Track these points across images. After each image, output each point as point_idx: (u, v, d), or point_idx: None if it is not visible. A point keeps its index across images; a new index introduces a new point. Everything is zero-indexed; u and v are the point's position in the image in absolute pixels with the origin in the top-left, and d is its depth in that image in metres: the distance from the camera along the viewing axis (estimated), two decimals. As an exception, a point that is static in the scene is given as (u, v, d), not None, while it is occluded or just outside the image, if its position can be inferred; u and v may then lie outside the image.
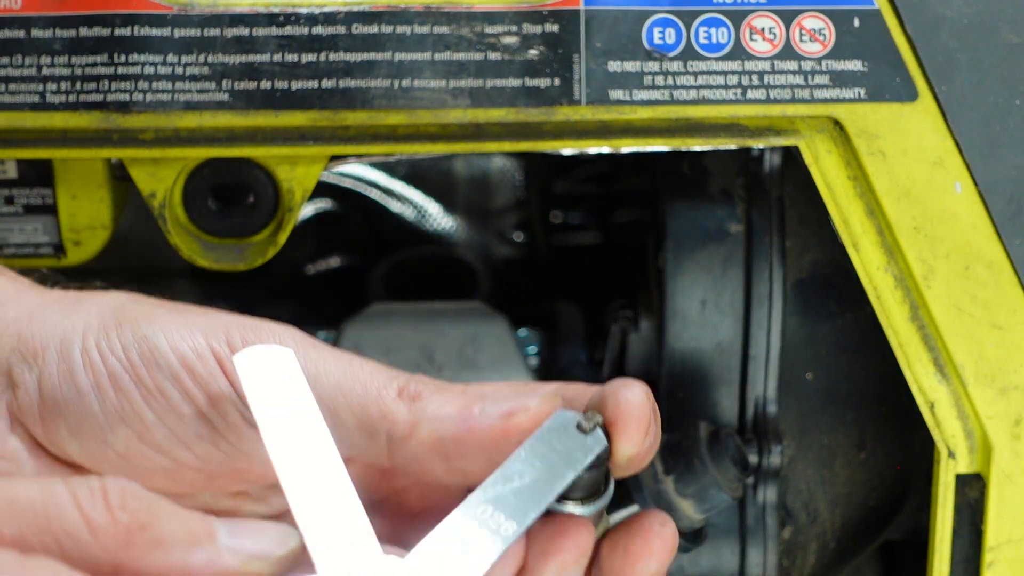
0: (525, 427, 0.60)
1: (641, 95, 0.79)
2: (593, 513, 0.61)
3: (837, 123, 0.80)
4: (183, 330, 0.62)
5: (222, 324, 0.63)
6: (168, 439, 0.62)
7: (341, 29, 0.78)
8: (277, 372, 0.59)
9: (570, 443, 0.60)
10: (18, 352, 0.63)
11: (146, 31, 0.78)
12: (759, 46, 0.79)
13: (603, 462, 0.61)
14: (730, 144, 0.80)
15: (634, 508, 0.65)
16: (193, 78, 0.78)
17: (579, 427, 0.60)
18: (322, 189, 1.20)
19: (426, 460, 0.61)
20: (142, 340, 0.62)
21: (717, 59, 0.79)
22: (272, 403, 0.58)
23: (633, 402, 0.61)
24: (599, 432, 0.60)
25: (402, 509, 0.68)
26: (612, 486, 0.62)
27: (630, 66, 0.79)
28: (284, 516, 0.66)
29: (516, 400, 0.61)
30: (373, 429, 0.61)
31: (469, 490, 0.61)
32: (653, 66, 0.79)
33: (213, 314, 0.64)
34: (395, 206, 1.21)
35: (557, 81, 0.79)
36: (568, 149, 0.81)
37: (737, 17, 0.79)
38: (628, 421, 0.61)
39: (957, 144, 0.80)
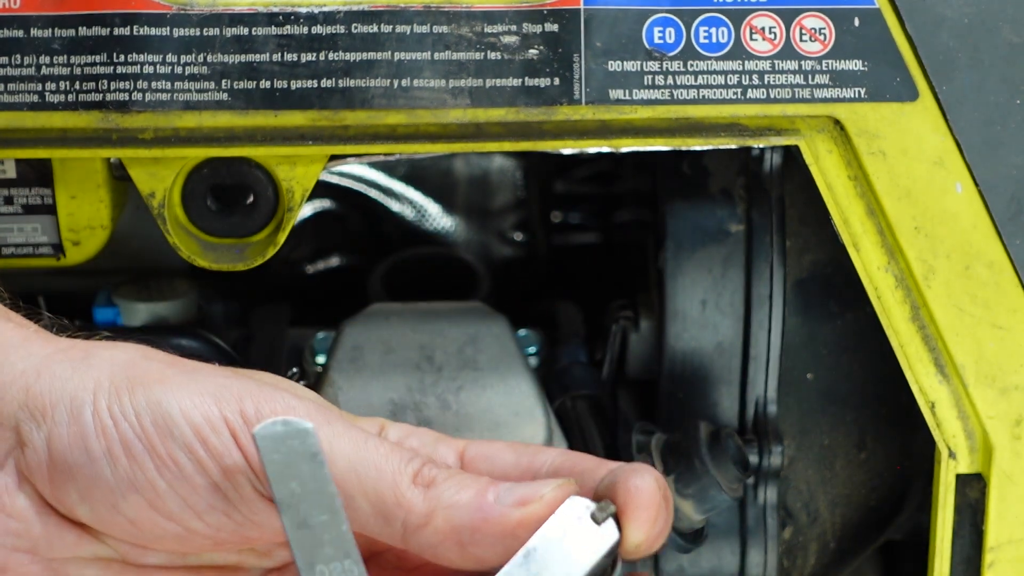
0: (540, 516, 0.60)
1: (641, 95, 0.79)
2: None
3: (837, 123, 0.80)
4: (196, 398, 0.61)
5: (235, 392, 0.62)
6: (180, 508, 0.61)
7: (341, 29, 0.78)
8: (296, 446, 0.59)
9: (584, 533, 0.60)
10: (26, 408, 0.62)
11: (145, 30, 0.78)
12: (759, 46, 0.79)
13: (614, 551, 0.61)
14: (730, 144, 0.80)
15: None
16: (192, 78, 0.78)
17: (592, 517, 0.60)
18: (322, 189, 1.20)
19: (441, 547, 0.61)
20: (155, 406, 0.61)
21: (717, 59, 0.79)
22: (289, 479, 0.58)
23: (644, 490, 0.61)
24: (611, 522, 0.60)
25: (402, 563, 0.68)
26: (620, 569, 0.62)
27: (630, 66, 0.79)
28: (288, 569, 0.67)
29: (530, 488, 0.61)
30: (388, 515, 0.61)
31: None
32: (653, 66, 0.79)
33: (225, 378, 0.63)
34: (395, 206, 1.21)
35: (557, 81, 0.78)
36: (568, 149, 0.81)
37: (737, 17, 0.79)
38: (638, 509, 0.61)
39: (957, 144, 0.80)
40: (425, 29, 0.78)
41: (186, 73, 0.78)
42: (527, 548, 0.59)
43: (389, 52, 0.78)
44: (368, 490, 0.61)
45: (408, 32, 0.78)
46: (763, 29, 0.79)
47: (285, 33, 0.78)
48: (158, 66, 0.78)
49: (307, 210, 1.20)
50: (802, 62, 0.79)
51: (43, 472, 0.61)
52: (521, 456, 0.66)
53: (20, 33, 0.78)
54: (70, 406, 0.61)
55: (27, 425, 0.62)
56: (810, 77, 0.79)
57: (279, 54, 0.78)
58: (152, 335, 0.98)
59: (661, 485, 0.62)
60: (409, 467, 0.62)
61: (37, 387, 0.62)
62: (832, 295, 0.97)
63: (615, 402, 1.02)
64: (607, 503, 0.60)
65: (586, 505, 0.60)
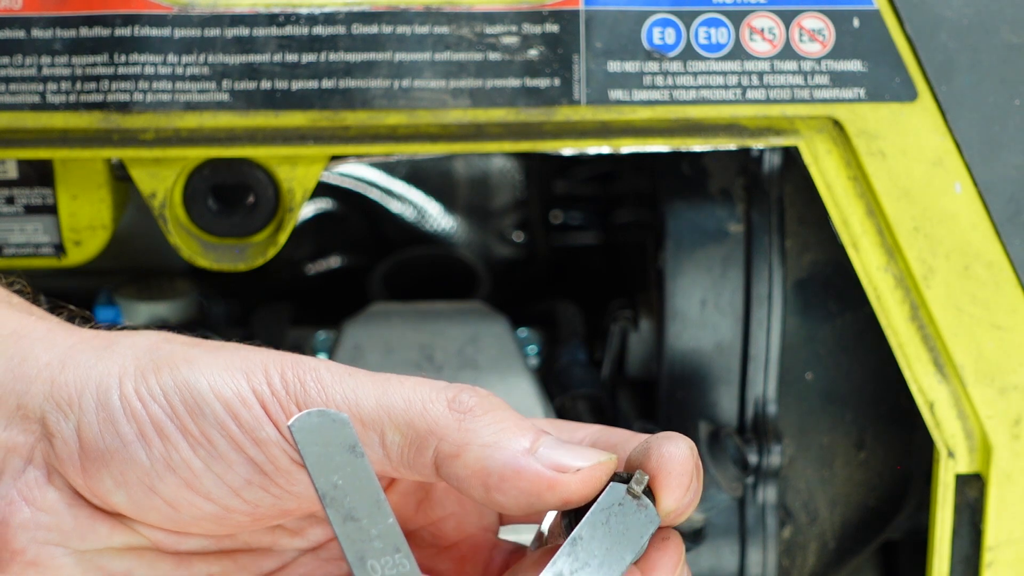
0: (572, 487, 0.60)
1: (641, 95, 0.79)
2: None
3: (837, 123, 0.80)
4: (223, 372, 0.61)
5: (259, 362, 0.62)
6: (217, 486, 0.61)
7: (341, 29, 0.78)
8: (333, 438, 0.58)
9: (627, 520, 0.60)
10: (52, 400, 0.62)
11: (146, 31, 0.78)
12: (759, 46, 0.79)
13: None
14: (730, 144, 0.80)
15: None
16: (193, 78, 0.78)
17: (629, 491, 0.60)
18: (322, 189, 1.20)
19: (467, 483, 0.60)
20: (183, 385, 0.61)
21: (717, 59, 0.79)
22: (330, 472, 0.58)
23: (677, 457, 0.61)
24: (651, 509, 0.60)
25: (438, 540, 0.68)
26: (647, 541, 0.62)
27: (630, 66, 0.79)
28: (322, 548, 0.67)
29: (571, 454, 0.60)
30: (421, 444, 0.61)
31: (503, 522, 0.62)
32: (653, 66, 0.79)
33: (247, 351, 0.63)
34: (395, 206, 1.21)
35: (557, 81, 0.79)
36: (568, 149, 0.82)
37: (737, 17, 0.79)
38: (670, 476, 0.61)
39: (957, 144, 0.80)
40: (425, 30, 0.78)
41: (187, 74, 0.78)
42: (573, 537, 0.59)
43: (389, 53, 0.78)
44: (398, 422, 0.60)
45: (408, 33, 0.78)
46: (763, 30, 0.79)
47: (286, 34, 0.78)
48: (159, 67, 0.78)
49: (308, 210, 1.20)
50: (801, 63, 0.79)
51: (75, 462, 0.61)
52: (560, 431, 0.66)
53: (22, 34, 0.78)
54: (96, 392, 0.61)
55: (54, 415, 0.61)
56: (809, 78, 0.79)
57: (280, 55, 0.78)
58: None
59: (693, 452, 0.62)
60: (444, 393, 0.61)
61: (62, 378, 0.62)
62: (831, 295, 0.97)
63: (615, 402, 1.02)
64: (641, 474, 0.60)
65: (623, 487, 0.60)
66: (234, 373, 0.61)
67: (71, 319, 0.67)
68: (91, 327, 0.66)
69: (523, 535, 0.68)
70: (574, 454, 0.60)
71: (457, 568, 0.67)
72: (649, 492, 0.61)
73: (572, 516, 0.60)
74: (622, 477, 0.61)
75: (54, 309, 0.67)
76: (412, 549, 0.58)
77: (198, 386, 0.61)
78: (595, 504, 0.60)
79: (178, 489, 0.61)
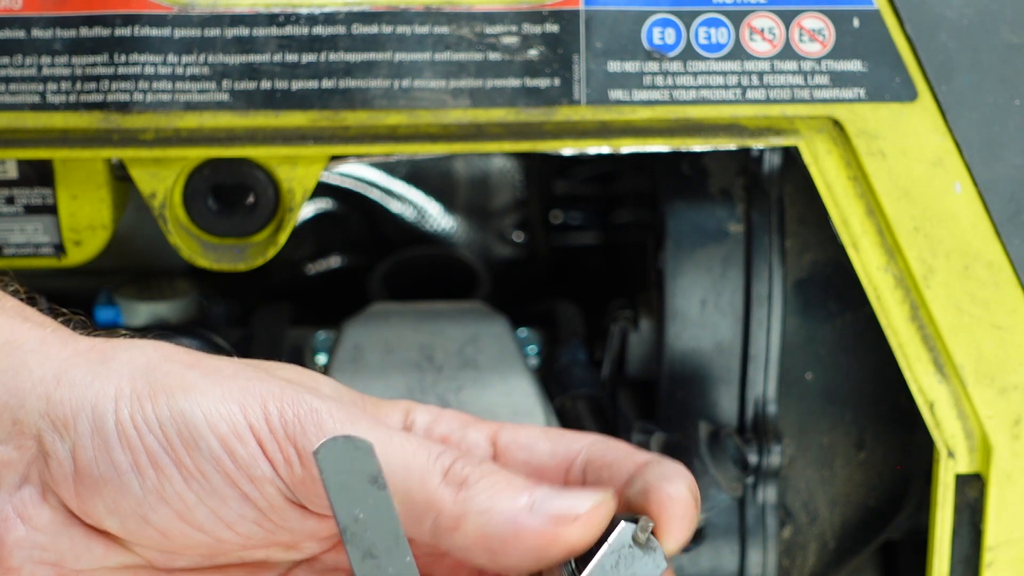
0: (574, 536, 0.59)
1: (641, 95, 0.79)
2: None
3: (837, 123, 0.80)
4: (220, 405, 0.61)
5: (259, 395, 0.61)
6: (210, 519, 0.61)
7: (341, 29, 0.78)
8: (356, 467, 0.58)
9: (635, 564, 0.60)
10: (48, 418, 0.61)
11: (146, 31, 0.78)
12: (759, 46, 0.79)
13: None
14: (730, 144, 0.80)
15: None
16: (193, 78, 0.78)
17: (634, 538, 0.60)
18: (322, 189, 1.20)
19: (470, 551, 0.60)
20: (179, 416, 0.60)
21: (717, 59, 0.79)
22: (352, 504, 0.57)
23: (679, 500, 0.61)
24: (659, 552, 0.60)
25: (432, 547, 0.66)
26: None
27: (630, 66, 0.79)
28: (316, 560, 0.66)
29: (567, 502, 0.60)
30: (418, 515, 0.61)
31: None
32: (653, 66, 0.79)
33: (247, 380, 0.62)
34: (395, 206, 1.21)
35: (557, 81, 0.79)
36: (568, 149, 0.82)
37: (737, 17, 0.79)
38: (673, 520, 0.61)
39: (957, 144, 0.80)
40: (425, 30, 0.78)
41: (187, 74, 0.78)
42: None
43: (389, 53, 0.78)
44: (397, 488, 0.60)
45: (408, 33, 0.78)
46: (763, 30, 0.79)
47: (286, 34, 0.78)
48: (159, 67, 0.78)
49: (308, 210, 1.20)
50: (801, 63, 0.79)
51: (69, 484, 0.61)
52: (557, 444, 0.65)
53: (21, 34, 0.78)
54: (92, 416, 0.61)
55: (50, 435, 0.61)
56: (809, 78, 0.79)
57: (280, 55, 0.78)
58: (153, 335, 0.98)
59: (693, 490, 0.62)
60: (439, 463, 0.61)
61: (57, 395, 0.61)
62: (831, 295, 0.97)
63: (615, 402, 1.02)
64: (646, 521, 0.60)
65: (628, 529, 0.60)
66: (231, 405, 0.61)
67: (67, 323, 0.66)
68: (87, 333, 0.65)
69: None
70: (571, 500, 0.60)
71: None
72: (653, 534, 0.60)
73: (577, 558, 0.60)
74: (627, 517, 0.60)
75: (49, 312, 0.67)
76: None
77: (194, 418, 0.61)
78: (603, 548, 0.59)
79: (170, 520, 0.61)
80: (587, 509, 0.59)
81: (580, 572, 0.59)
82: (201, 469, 0.60)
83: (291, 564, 0.66)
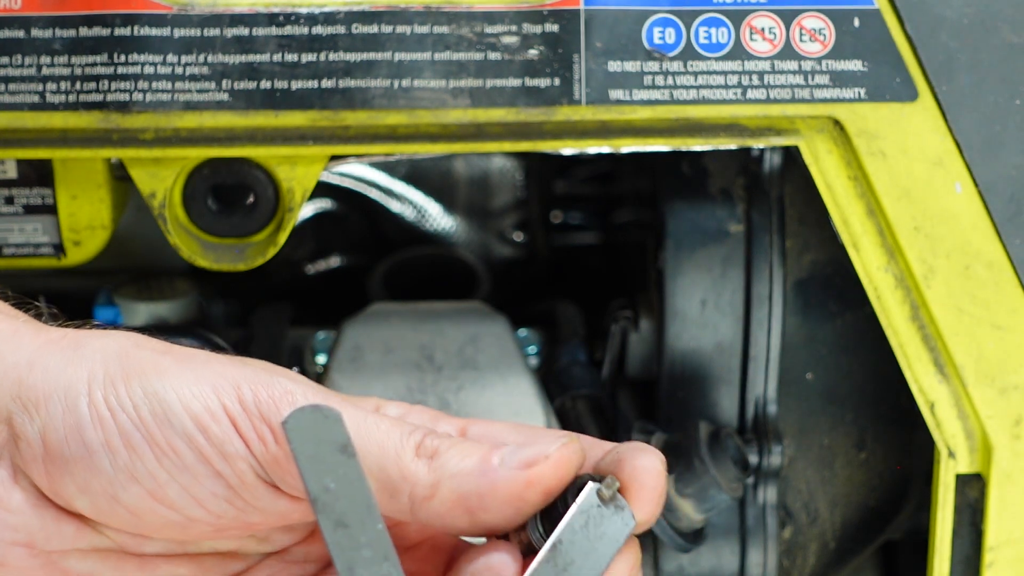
0: (546, 476, 0.60)
1: (641, 95, 0.79)
2: None
3: (837, 123, 0.80)
4: (193, 387, 0.61)
5: (231, 378, 0.62)
6: (181, 497, 0.61)
7: (341, 29, 0.78)
8: (325, 436, 0.58)
9: (604, 523, 0.60)
10: (19, 401, 0.62)
11: (146, 31, 0.78)
12: (759, 46, 0.79)
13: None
14: (730, 144, 0.80)
15: None
16: (193, 78, 0.78)
17: (599, 495, 0.60)
18: (322, 189, 1.20)
19: (449, 517, 0.61)
20: (152, 396, 0.61)
21: (717, 59, 0.79)
22: (322, 474, 0.57)
23: (650, 471, 0.61)
24: (627, 511, 0.60)
25: (401, 540, 0.67)
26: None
27: (630, 66, 0.79)
28: (286, 552, 0.66)
29: (534, 448, 0.61)
30: (394, 490, 0.61)
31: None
32: (653, 66, 0.79)
33: (220, 364, 0.63)
34: (395, 206, 1.21)
35: (557, 81, 0.79)
36: (568, 149, 0.82)
37: (737, 17, 0.79)
38: (643, 490, 0.61)
39: (957, 144, 0.80)
40: (425, 29, 0.78)
41: (187, 73, 0.78)
42: (552, 541, 0.59)
43: (389, 52, 0.78)
44: (372, 466, 0.60)
45: (408, 32, 0.78)
46: (763, 29, 0.79)
47: (285, 34, 0.78)
48: (159, 66, 0.78)
49: (307, 210, 1.20)
50: (802, 62, 0.79)
51: (39, 465, 0.61)
52: (524, 435, 0.66)
53: (21, 33, 0.78)
54: (64, 397, 0.61)
55: (20, 417, 0.61)
56: (810, 77, 0.79)
57: (279, 54, 0.78)
58: (152, 335, 0.98)
59: (663, 464, 0.62)
60: (411, 439, 0.61)
61: (30, 379, 0.62)
62: (832, 295, 0.97)
63: (615, 402, 1.02)
64: (612, 479, 0.60)
65: (594, 486, 0.60)
66: (204, 387, 0.61)
67: (39, 316, 0.66)
68: (60, 325, 0.66)
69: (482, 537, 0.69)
70: (539, 447, 0.61)
71: (420, 568, 0.67)
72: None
73: (546, 520, 0.60)
74: (594, 477, 0.61)
75: (21, 305, 0.67)
76: None
77: (167, 398, 0.61)
78: (571, 509, 0.60)
79: (141, 499, 0.61)
80: (556, 448, 0.60)
81: (549, 534, 0.59)
82: (174, 446, 0.60)
83: (261, 556, 0.66)
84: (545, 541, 0.59)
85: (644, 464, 0.61)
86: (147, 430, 0.60)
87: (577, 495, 0.60)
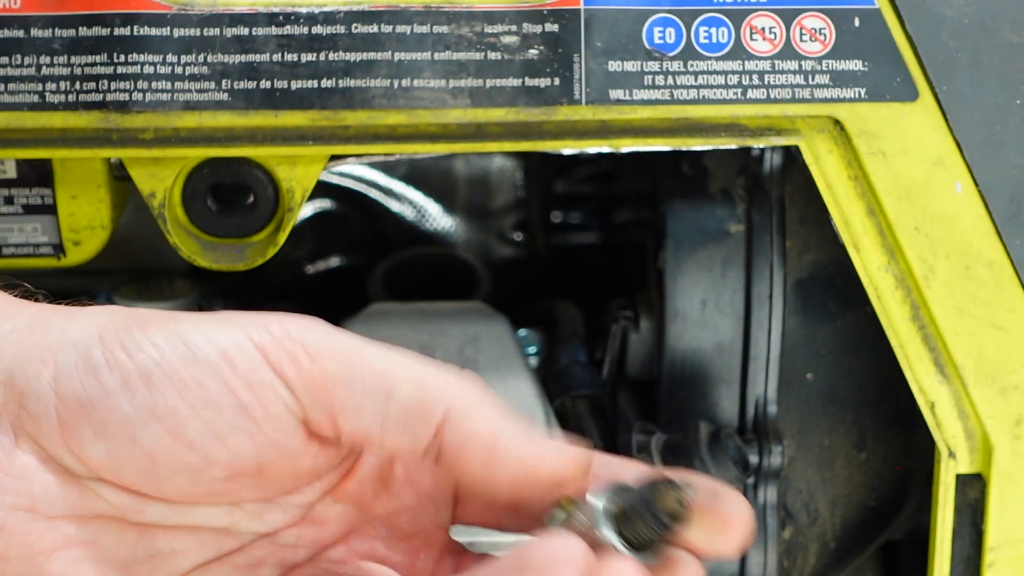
0: (570, 464, 0.61)
1: (641, 95, 0.79)
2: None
3: (838, 123, 0.80)
4: (218, 326, 0.61)
5: (257, 318, 0.62)
6: (202, 433, 0.60)
7: (341, 29, 0.78)
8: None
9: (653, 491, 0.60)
10: (18, 361, 0.61)
11: (146, 31, 0.78)
12: (759, 46, 0.79)
13: (672, 522, 0.60)
14: (730, 144, 0.80)
15: None
16: (193, 78, 0.78)
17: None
18: (322, 189, 1.20)
19: (469, 448, 0.61)
20: (174, 336, 0.60)
21: (717, 59, 0.79)
22: None
23: (744, 518, 0.61)
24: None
25: (392, 531, 0.67)
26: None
27: (630, 66, 0.79)
28: (277, 534, 0.66)
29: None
30: (431, 402, 0.61)
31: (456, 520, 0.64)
32: (653, 66, 0.79)
33: (242, 314, 0.63)
34: (395, 206, 1.21)
35: (557, 81, 0.79)
36: (568, 149, 0.81)
37: (737, 17, 0.79)
38: (737, 530, 0.61)
39: (957, 144, 0.80)
40: (425, 29, 0.78)
41: (186, 73, 0.78)
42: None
43: (389, 52, 0.78)
44: (410, 377, 0.61)
45: (408, 32, 0.78)
46: (763, 29, 0.79)
47: (285, 33, 0.78)
48: (158, 66, 0.78)
49: (307, 210, 1.20)
50: (802, 62, 0.79)
51: (50, 416, 0.60)
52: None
53: (20, 33, 0.78)
54: (74, 349, 0.60)
55: (23, 373, 0.60)
56: (810, 77, 0.79)
57: (279, 54, 0.78)
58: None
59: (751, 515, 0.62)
60: (449, 367, 0.62)
61: (31, 340, 0.61)
62: (832, 295, 0.97)
63: (615, 402, 1.02)
64: (693, 489, 0.60)
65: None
66: (230, 325, 0.61)
67: (27, 296, 0.66)
68: (49, 302, 0.65)
69: (475, 537, 0.69)
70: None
71: (410, 561, 0.67)
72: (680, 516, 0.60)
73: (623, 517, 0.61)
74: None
75: (6, 288, 0.67)
76: (367, 538, 0.59)
77: (191, 337, 0.60)
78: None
79: (160, 437, 0.60)
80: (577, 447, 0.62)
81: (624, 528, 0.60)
82: (198, 380, 0.60)
83: (255, 536, 0.66)
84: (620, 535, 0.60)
85: (736, 508, 0.61)
86: (169, 367, 0.60)
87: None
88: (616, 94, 0.79)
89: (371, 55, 0.78)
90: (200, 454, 0.61)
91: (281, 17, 0.78)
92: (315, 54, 0.78)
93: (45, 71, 0.78)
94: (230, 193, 0.83)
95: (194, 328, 0.61)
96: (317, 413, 0.61)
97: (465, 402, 0.61)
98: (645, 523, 0.59)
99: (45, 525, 0.61)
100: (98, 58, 0.78)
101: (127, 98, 0.78)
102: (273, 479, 0.64)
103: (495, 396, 0.63)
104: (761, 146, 0.92)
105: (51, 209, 0.86)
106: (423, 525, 0.67)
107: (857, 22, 0.79)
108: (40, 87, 0.78)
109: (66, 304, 0.66)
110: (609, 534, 0.60)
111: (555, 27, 0.78)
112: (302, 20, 0.78)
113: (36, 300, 0.67)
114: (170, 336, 0.61)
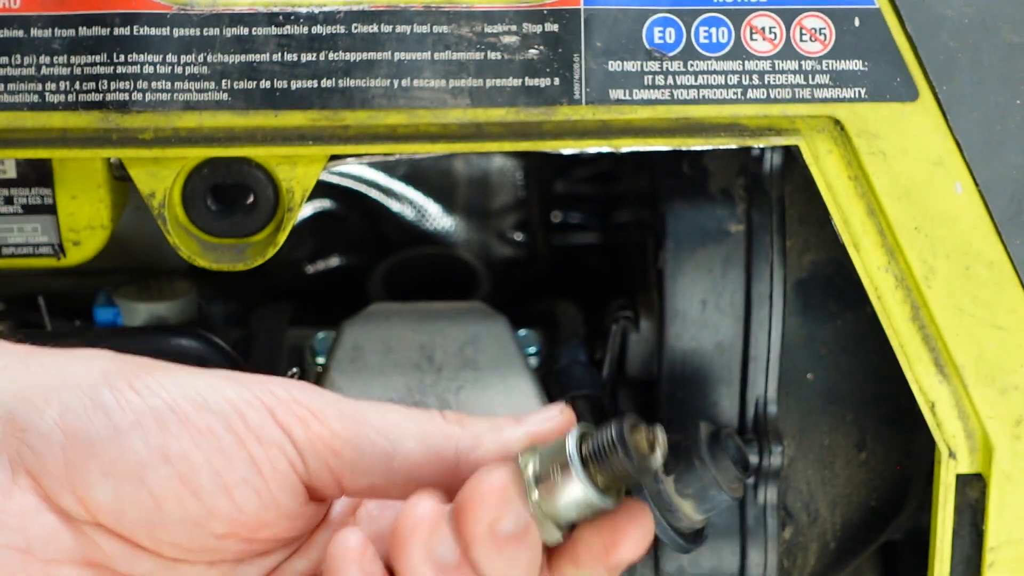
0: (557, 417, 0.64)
1: (641, 95, 0.79)
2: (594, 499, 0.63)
3: (838, 123, 0.80)
4: (221, 380, 0.61)
5: (259, 379, 0.63)
6: (212, 482, 0.60)
7: (341, 28, 0.78)
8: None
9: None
10: (19, 397, 0.60)
11: (145, 30, 0.78)
12: (759, 46, 0.79)
13: (642, 460, 0.62)
14: (730, 144, 0.80)
15: None
16: (192, 78, 0.78)
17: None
18: (322, 189, 1.20)
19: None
20: (185, 384, 0.60)
21: (717, 59, 0.79)
22: None
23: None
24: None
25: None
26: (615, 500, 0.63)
27: (630, 66, 0.79)
28: None
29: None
30: (439, 448, 0.62)
31: None
32: (653, 66, 0.79)
33: (237, 372, 0.63)
34: (395, 206, 1.21)
35: (557, 81, 0.78)
36: (568, 149, 0.81)
37: (737, 17, 0.79)
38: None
39: (957, 144, 0.80)
40: (425, 29, 0.78)
41: (186, 73, 0.78)
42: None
43: (389, 52, 0.78)
44: (413, 431, 0.62)
45: (408, 32, 0.78)
46: (763, 29, 0.79)
47: (285, 33, 0.78)
48: (158, 66, 0.78)
49: (307, 210, 1.20)
50: (802, 62, 0.79)
51: (55, 455, 0.59)
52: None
53: (20, 33, 0.78)
54: (79, 389, 0.60)
55: (25, 409, 0.60)
56: (810, 77, 0.79)
57: (279, 54, 0.78)
58: (152, 335, 0.98)
59: None
60: (431, 412, 0.64)
61: (29, 376, 0.61)
62: (832, 295, 0.97)
63: (615, 402, 1.02)
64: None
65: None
66: (235, 382, 0.62)
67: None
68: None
69: None
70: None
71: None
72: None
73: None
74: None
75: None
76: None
77: (199, 386, 0.61)
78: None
79: (168, 482, 0.60)
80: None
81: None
82: (211, 428, 0.60)
83: None
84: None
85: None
86: (183, 412, 0.60)
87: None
88: (616, 94, 0.79)
89: (371, 55, 0.78)
90: (206, 505, 0.60)
91: (281, 17, 0.78)
92: (315, 54, 0.78)
93: (45, 71, 0.78)
94: (230, 193, 0.83)
95: (201, 378, 0.61)
96: (323, 474, 0.62)
97: (469, 437, 0.63)
98: (617, 460, 0.61)
99: (40, 569, 0.61)
100: (98, 58, 0.78)
101: (127, 98, 0.78)
102: (265, 539, 0.63)
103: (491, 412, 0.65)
104: (761, 146, 0.92)
105: (51, 209, 0.86)
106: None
107: (857, 22, 0.79)
108: (40, 87, 0.78)
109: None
110: (578, 473, 0.61)
111: (555, 27, 0.78)
112: (302, 20, 0.78)
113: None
114: (181, 383, 0.60)
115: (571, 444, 0.62)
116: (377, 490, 0.63)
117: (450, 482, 0.62)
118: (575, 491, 0.61)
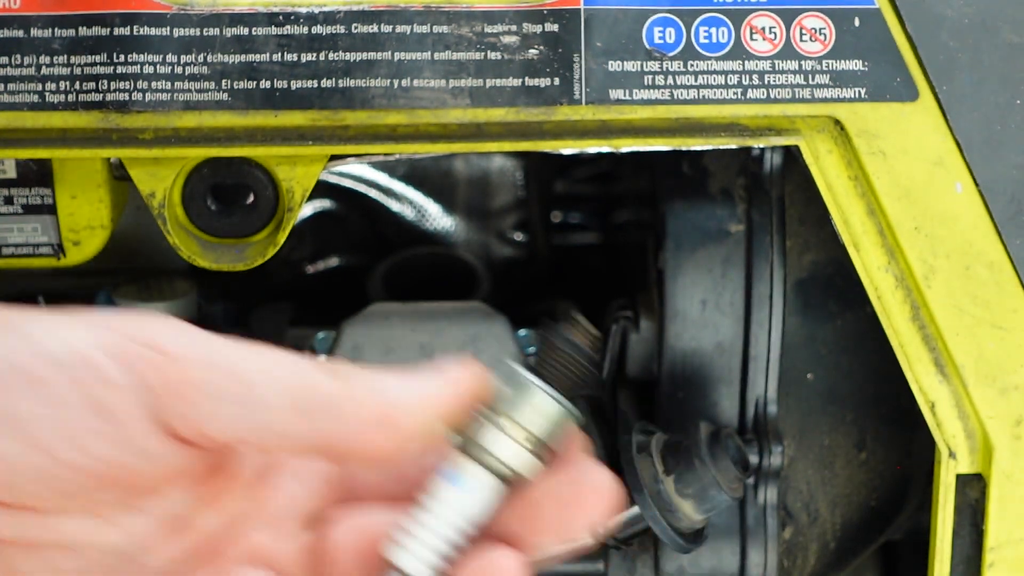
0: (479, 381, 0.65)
1: (641, 95, 0.79)
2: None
3: (838, 123, 0.80)
4: (68, 322, 0.57)
5: (111, 317, 0.58)
6: (62, 437, 0.56)
7: (341, 28, 0.78)
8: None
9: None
10: None
11: (145, 30, 0.78)
12: (759, 45, 0.79)
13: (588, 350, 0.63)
14: (730, 144, 0.80)
15: None
16: (192, 78, 0.78)
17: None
18: (322, 189, 1.20)
19: (363, 429, 0.59)
20: (15, 333, 0.57)
21: (717, 59, 0.79)
22: None
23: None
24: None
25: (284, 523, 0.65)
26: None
27: (630, 66, 0.79)
28: (138, 537, 0.61)
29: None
30: (307, 401, 0.59)
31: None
32: (653, 66, 0.79)
33: (91, 311, 0.59)
34: (395, 206, 1.21)
35: (557, 81, 0.78)
36: (568, 149, 0.81)
37: (737, 17, 0.78)
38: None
39: (958, 144, 0.80)
40: (425, 29, 0.78)
41: (186, 73, 0.78)
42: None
43: (389, 52, 0.78)
44: (281, 382, 0.58)
45: (408, 32, 0.78)
46: (763, 29, 0.79)
47: (285, 33, 0.78)
48: (158, 66, 0.78)
49: (307, 210, 1.20)
50: (802, 62, 0.79)
51: None
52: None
53: (20, 33, 0.78)
54: None
55: None
56: (810, 77, 0.79)
57: (279, 54, 0.78)
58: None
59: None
60: (309, 363, 0.59)
61: None
62: (832, 295, 0.97)
63: (615, 402, 1.02)
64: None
65: None
66: (80, 323, 0.58)
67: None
68: None
69: None
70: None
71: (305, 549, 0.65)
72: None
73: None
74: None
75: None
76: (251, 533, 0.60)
77: (33, 332, 0.57)
78: None
79: (17, 444, 0.57)
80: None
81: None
82: (41, 376, 0.56)
83: (119, 554, 0.61)
84: None
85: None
86: (10, 363, 0.56)
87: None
88: (616, 94, 0.79)
89: (371, 55, 0.78)
90: (61, 460, 0.57)
91: (281, 17, 0.78)
92: (315, 54, 0.78)
93: (45, 71, 0.78)
94: (230, 193, 0.83)
95: (43, 325, 0.58)
96: (178, 418, 0.58)
97: (344, 396, 0.59)
98: (567, 357, 0.63)
99: None
100: (98, 58, 0.78)
101: (127, 98, 0.78)
102: (140, 485, 0.60)
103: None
104: (761, 146, 0.92)
105: (51, 209, 0.86)
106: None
107: (857, 22, 0.79)
108: (40, 87, 0.78)
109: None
110: (536, 381, 0.63)
111: (555, 27, 0.78)
112: (302, 20, 0.78)
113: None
114: (10, 331, 0.57)
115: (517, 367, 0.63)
116: (247, 441, 0.58)
117: (322, 438, 0.58)
118: (538, 399, 0.62)
